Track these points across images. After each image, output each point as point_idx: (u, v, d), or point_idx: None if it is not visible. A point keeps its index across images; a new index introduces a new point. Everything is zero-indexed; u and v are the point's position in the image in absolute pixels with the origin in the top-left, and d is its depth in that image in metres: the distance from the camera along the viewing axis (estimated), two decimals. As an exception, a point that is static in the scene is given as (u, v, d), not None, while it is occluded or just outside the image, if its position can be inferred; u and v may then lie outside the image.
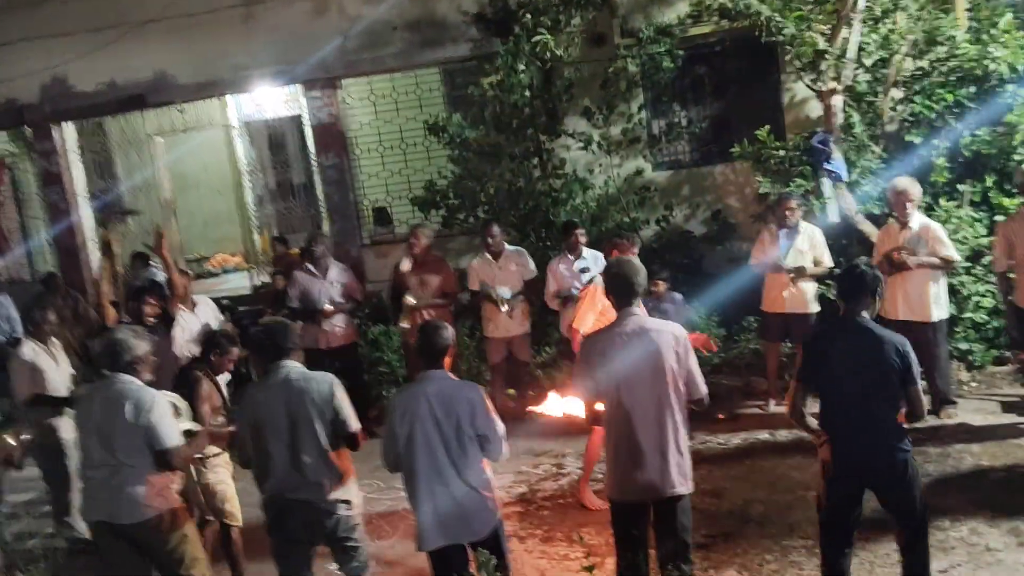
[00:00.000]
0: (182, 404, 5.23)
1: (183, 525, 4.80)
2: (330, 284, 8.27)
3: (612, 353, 4.31)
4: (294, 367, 4.71)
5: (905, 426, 4.31)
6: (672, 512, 4.34)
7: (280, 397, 4.60)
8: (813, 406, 4.49)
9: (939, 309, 7.01)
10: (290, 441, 4.59)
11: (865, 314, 4.36)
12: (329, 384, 4.64)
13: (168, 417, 4.70)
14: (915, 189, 6.96)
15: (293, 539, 4.73)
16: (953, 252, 6.96)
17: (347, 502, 4.75)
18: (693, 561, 4.48)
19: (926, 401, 5.89)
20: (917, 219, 6.96)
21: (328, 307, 8.14)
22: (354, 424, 4.68)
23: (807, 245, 7.53)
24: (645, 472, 4.28)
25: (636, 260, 4.57)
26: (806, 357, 4.49)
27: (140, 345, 4.79)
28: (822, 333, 4.54)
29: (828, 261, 7.54)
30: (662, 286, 7.73)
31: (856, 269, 4.49)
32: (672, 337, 4.30)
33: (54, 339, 6.89)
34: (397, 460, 4.44)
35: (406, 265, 8.14)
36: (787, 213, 7.51)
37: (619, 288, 4.45)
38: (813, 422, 4.50)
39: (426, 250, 8.18)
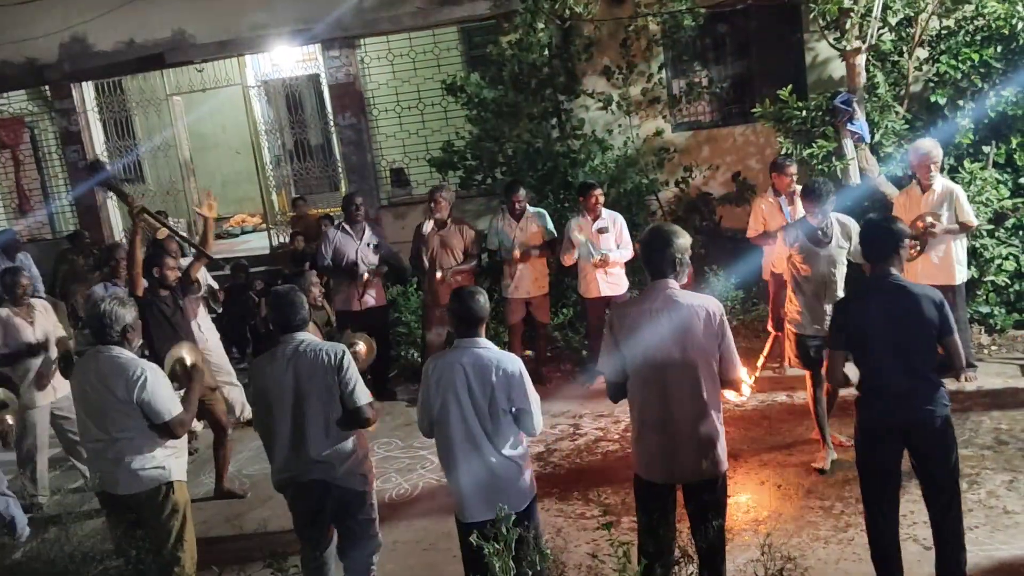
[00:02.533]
0: (183, 347, 5.36)
1: (177, 500, 4.77)
2: (366, 245, 8.26)
3: (639, 329, 4.07)
4: (305, 338, 4.62)
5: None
6: (703, 495, 4.12)
7: (288, 371, 4.53)
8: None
9: (961, 272, 6.97)
10: (296, 417, 4.53)
11: (895, 271, 4.25)
12: (337, 354, 4.54)
13: (161, 388, 4.64)
14: (937, 151, 6.87)
15: (309, 520, 4.71)
16: (972, 217, 6.88)
17: (363, 476, 4.72)
18: (724, 549, 4.27)
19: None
20: (939, 182, 6.89)
21: (366, 274, 8.07)
22: (362, 398, 4.57)
23: None
24: (673, 453, 4.10)
25: (672, 228, 4.22)
26: (839, 323, 4.35)
27: (128, 314, 4.72)
28: (854, 296, 4.40)
29: None
30: None
31: (881, 226, 4.36)
32: (707, 312, 4.03)
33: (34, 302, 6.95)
34: (431, 428, 4.32)
35: (428, 227, 8.13)
36: (790, 180, 7.38)
37: (647, 259, 4.19)
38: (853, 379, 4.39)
39: (448, 212, 8.17)
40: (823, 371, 5.17)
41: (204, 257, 7.05)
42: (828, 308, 5.65)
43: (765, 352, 7.38)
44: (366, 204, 9.02)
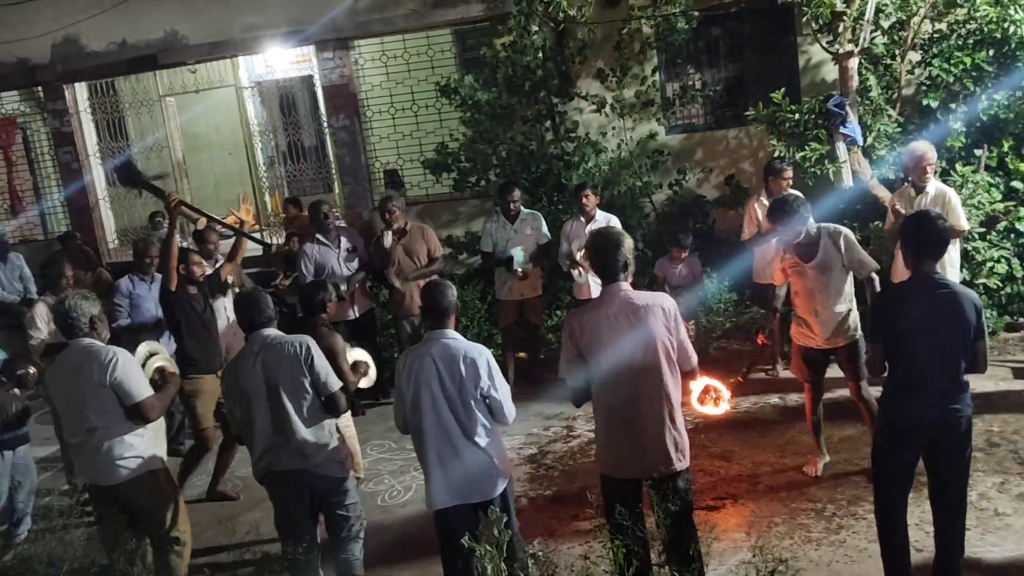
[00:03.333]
0: (158, 347, 5.38)
1: (163, 486, 4.85)
2: (345, 252, 8.22)
3: (601, 335, 4.16)
4: (270, 334, 4.72)
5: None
6: (671, 489, 4.18)
7: (257, 365, 4.61)
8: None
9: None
10: (271, 407, 4.60)
11: (939, 269, 4.21)
12: (303, 345, 4.63)
13: (133, 370, 4.72)
14: (933, 154, 6.88)
15: (290, 510, 4.74)
16: (964, 222, 6.89)
17: (340, 463, 4.77)
18: (697, 536, 4.34)
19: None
20: (932, 185, 6.90)
21: (344, 289, 7.95)
22: (334, 385, 4.67)
23: None
24: (640, 450, 4.19)
25: (617, 231, 4.34)
26: (881, 319, 4.29)
27: (92, 305, 4.81)
28: (897, 293, 4.35)
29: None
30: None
31: (931, 221, 4.25)
32: (661, 311, 4.16)
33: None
34: (406, 421, 4.43)
35: (388, 240, 8.03)
36: (785, 183, 7.38)
37: (601, 263, 4.28)
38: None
39: (404, 221, 8.11)
40: (864, 364, 5.13)
41: (237, 255, 7.09)
42: (820, 322, 5.61)
43: (745, 367, 7.26)
44: (354, 205, 8.97)
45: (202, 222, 7.22)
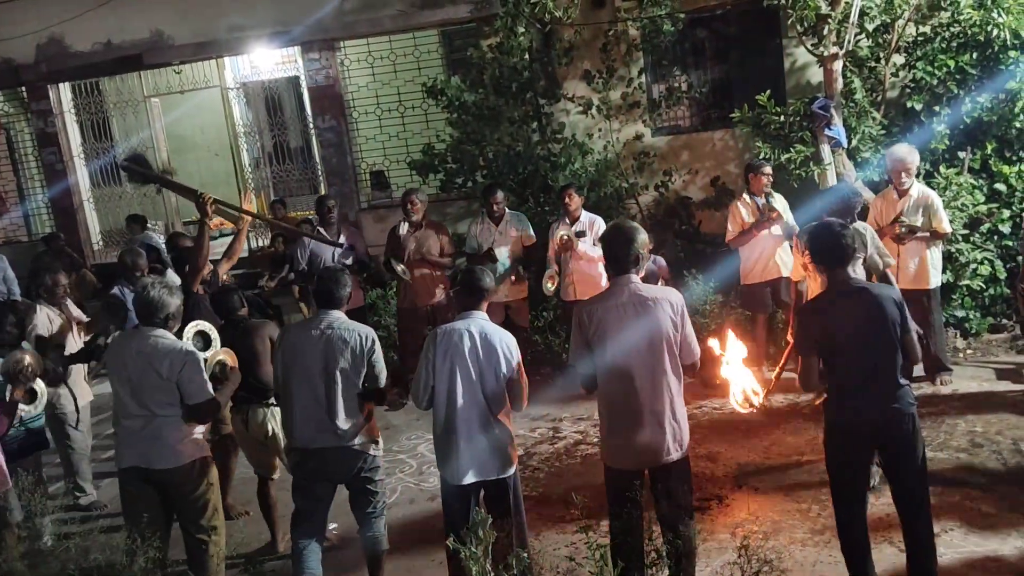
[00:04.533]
0: (208, 327, 5.43)
1: (211, 474, 4.92)
2: (339, 249, 8.21)
3: (608, 326, 4.24)
4: (338, 317, 4.87)
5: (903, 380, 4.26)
6: (670, 478, 4.32)
7: (319, 345, 4.75)
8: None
9: (936, 276, 7.03)
10: (324, 388, 4.72)
11: (852, 272, 4.29)
12: (371, 338, 4.81)
13: (200, 372, 4.79)
14: (913, 157, 6.92)
15: (314, 478, 4.87)
16: (947, 224, 6.94)
17: (376, 442, 4.93)
18: (695, 525, 4.47)
19: (919, 370, 5.95)
20: (916, 187, 6.94)
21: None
22: (383, 380, 4.86)
23: (782, 209, 7.60)
24: (642, 439, 4.26)
25: (632, 225, 4.43)
26: (804, 329, 4.38)
27: (173, 302, 4.87)
28: (817, 300, 4.44)
29: (796, 227, 7.58)
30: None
31: (832, 231, 4.33)
32: (669, 304, 4.25)
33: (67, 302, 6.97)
34: (431, 396, 4.57)
35: (404, 229, 8.10)
36: (765, 181, 7.51)
37: (613, 255, 4.38)
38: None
39: (423, 214, 8.15)
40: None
41: (235, 254, 6.87)
42: None
43: (782, 362, 7.26)
44: (340, 206, 8.98)
45: (245, 220, 6.89)
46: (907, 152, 6.91)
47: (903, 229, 6.77)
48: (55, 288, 6.85)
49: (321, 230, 8.31)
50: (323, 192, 11.68)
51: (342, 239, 8.24)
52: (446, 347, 4.50)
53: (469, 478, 4.52)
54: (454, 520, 4.53)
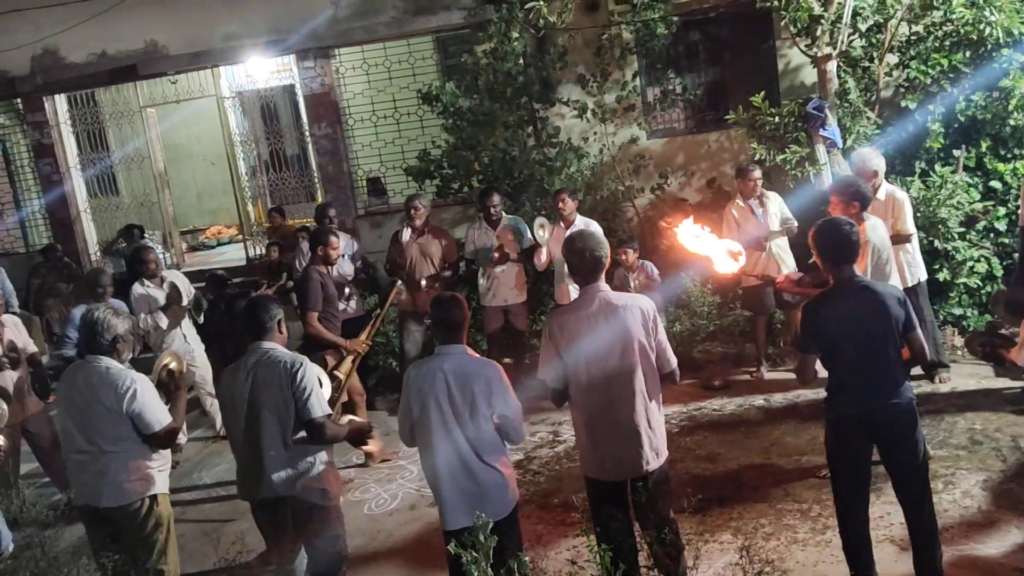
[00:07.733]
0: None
1: (163, 513, 4.71)
2: (341, 256, 8.18)
3: (580, 336, 4.16)
4: (268, 351, 4.50)
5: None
6: (649, 487, 4.22)
7: (248, 381, 4.44)
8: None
9: (912, 273, 6.83)
10: (250, 430, 4.43)
11: (857, 271, 4.31)
12: (296, 365, 4.40)
13: (151, 398, 4.57)
14: (878, 161, 6.82)
15: (271, 531, 4.61)
16: (910, 226, 6.79)
17: (323, 491, 4.53)
18: (678, 532, 4.39)
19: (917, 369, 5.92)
20: (883, 189, 6.86)
21: (347, 290, 7.83)
22: (316, 410, 4.40)
23: (777, 208, 7.62)
24: (620, 450, 4.21)
25: (598, 233, 4.40)
26: (807, 327, 4.37)
27: (120, 324, 4.64)
28: (820, 299, 4.45)
29: (795, 221, 7.65)
30: (631, 256, 7.73)
31: (840, 229, 4.33)
32: (640, 312, 4.17)
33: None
34: (412, 435, 4.29)
35: (407, 235, 8.10)
36: (754, 184, 7.55)
37: (581, 265, 4.27)
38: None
39: (426, 220, 8.15)
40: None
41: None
42: None
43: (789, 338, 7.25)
44: (341, 214, 9.00)
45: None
46: (872, 155, 6.80)
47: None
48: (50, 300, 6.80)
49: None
50: (319, 200, 11.68)
51: (341, 246, 8.21)
52: (419, 388, 4.18)
53: (457, 524, 4.11)
54: (452, 563, 4.22)
